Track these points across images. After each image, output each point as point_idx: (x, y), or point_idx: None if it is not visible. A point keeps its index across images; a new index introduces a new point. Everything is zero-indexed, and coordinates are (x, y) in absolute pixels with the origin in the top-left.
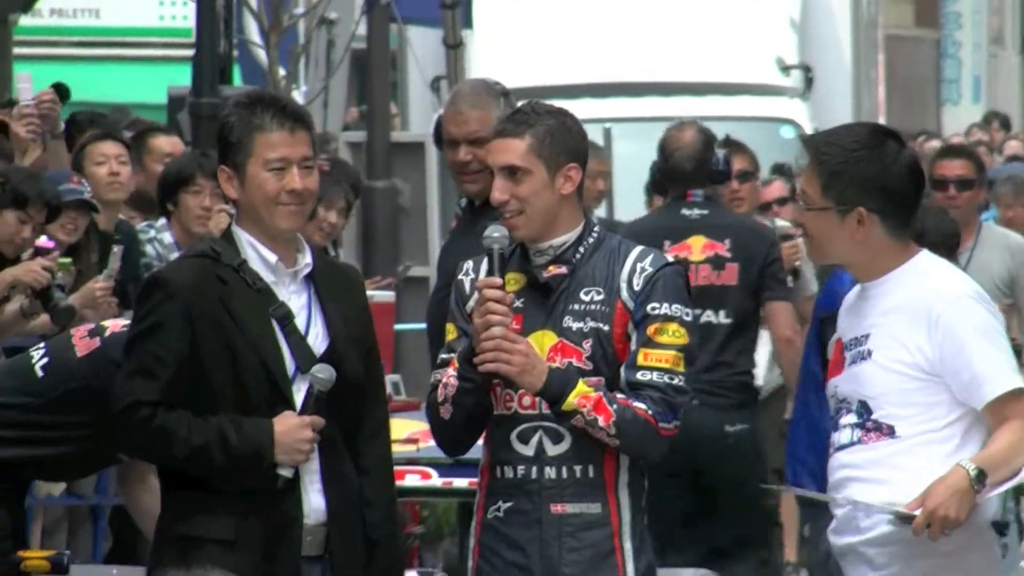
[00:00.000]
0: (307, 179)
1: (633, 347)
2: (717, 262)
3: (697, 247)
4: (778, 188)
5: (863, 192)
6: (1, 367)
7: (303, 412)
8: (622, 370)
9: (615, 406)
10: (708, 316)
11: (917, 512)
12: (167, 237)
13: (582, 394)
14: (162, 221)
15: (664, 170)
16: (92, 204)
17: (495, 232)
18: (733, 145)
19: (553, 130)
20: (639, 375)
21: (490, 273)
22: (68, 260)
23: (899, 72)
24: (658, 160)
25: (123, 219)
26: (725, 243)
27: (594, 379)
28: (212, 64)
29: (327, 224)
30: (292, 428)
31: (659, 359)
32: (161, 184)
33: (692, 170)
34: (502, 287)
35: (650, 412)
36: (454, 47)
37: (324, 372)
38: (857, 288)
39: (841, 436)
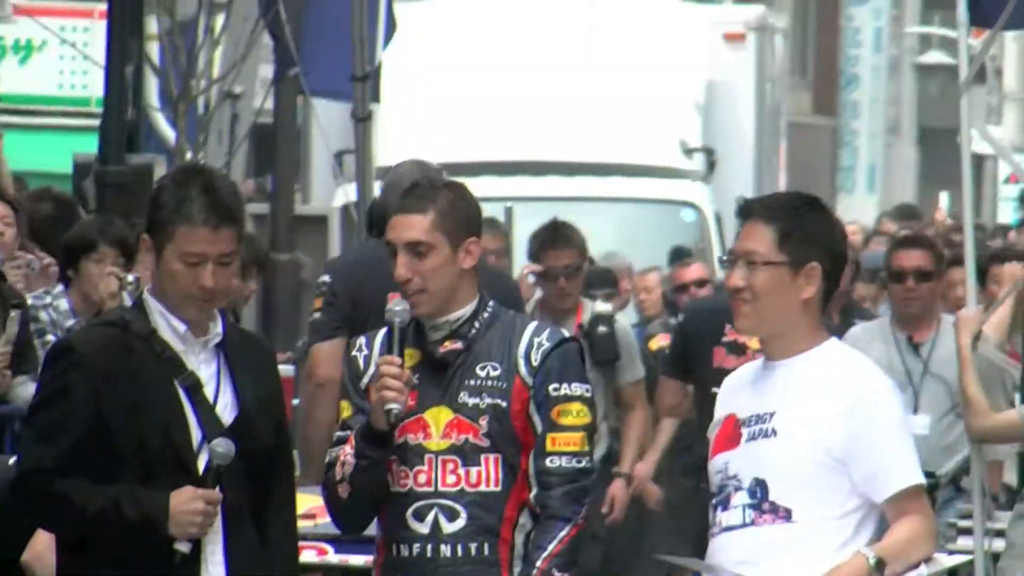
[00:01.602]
0: (221, 276)
1: (539, 431)
2: None
3: None
4: (697, 270)
5: (816, 248)
6: None
7: (201, 485)
8: (531, 458)
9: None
10: None
11: None
12: (63, 304)
13: None
14: (59, 288)
15: None
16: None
17: (396, 306)
18: (562, 233)
19: (454, 204)
20: (548, 461)
21: (390, 348)
22: None
23: (797, 158)
24: None
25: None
26: None
27: None
28: (120, 131)
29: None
30: (184, 501)
31: (566, 443)
32: (63, 250)
33: None
34: (401, 364)
35: (565, 531)
36: (363, 120)
37: (222, 446)
38: (755, 364)
39: (731, 516)
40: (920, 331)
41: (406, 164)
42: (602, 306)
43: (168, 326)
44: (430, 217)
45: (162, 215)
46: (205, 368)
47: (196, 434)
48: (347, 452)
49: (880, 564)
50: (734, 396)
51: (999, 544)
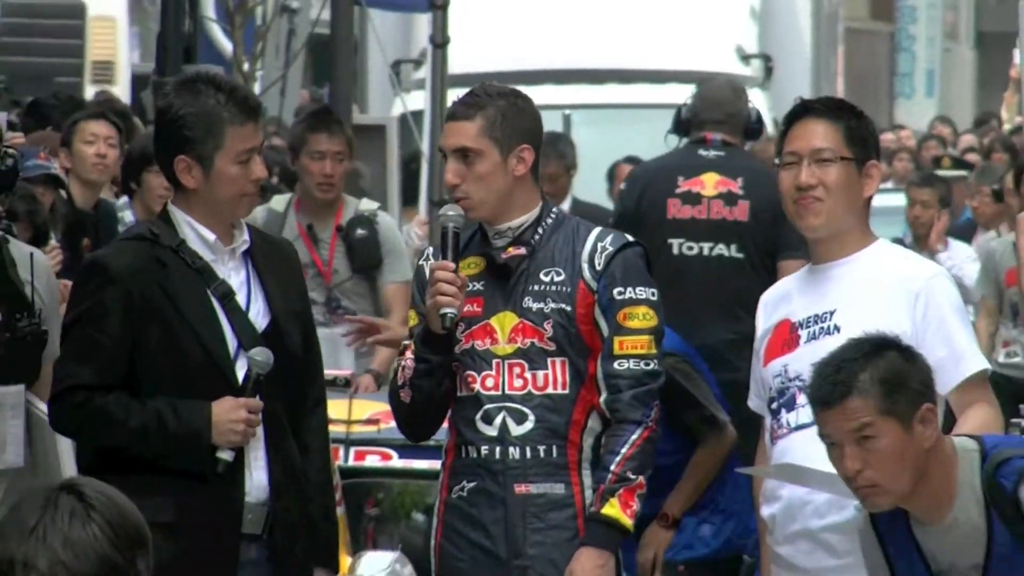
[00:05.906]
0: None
1: (606, 335)
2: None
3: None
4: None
5: (873, 148)
6: None
7: (241, 394)
8: (599, 361)
9: (628, 474)
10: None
11: None
12: (128, 216)
13: (618, 509)
14: (123, 200)
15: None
16: (59, 179)
17: (450, 211)
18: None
19: (505, 111)
20: (615, 364)
21: (444, 252)
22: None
23: (855, 65)
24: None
25: (104, 198)
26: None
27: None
28: (177, 43)
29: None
30: (227, 410)
31: (633, 346)
32: (125, 163)
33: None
34: (455, 269)
35: (636, 434)
36: (441, 46)
37: (261, 355)
38: (798, 274)
39: (800, 415)
40: None
41: (718, 79)
42: (367, 204)
43: (197, 236)
44: (477, 124)
45: (201, 128)
46: (235, 276)
47: (231, 343)
48: (408, 357)
49: None
50: (783, 303)
51: None
